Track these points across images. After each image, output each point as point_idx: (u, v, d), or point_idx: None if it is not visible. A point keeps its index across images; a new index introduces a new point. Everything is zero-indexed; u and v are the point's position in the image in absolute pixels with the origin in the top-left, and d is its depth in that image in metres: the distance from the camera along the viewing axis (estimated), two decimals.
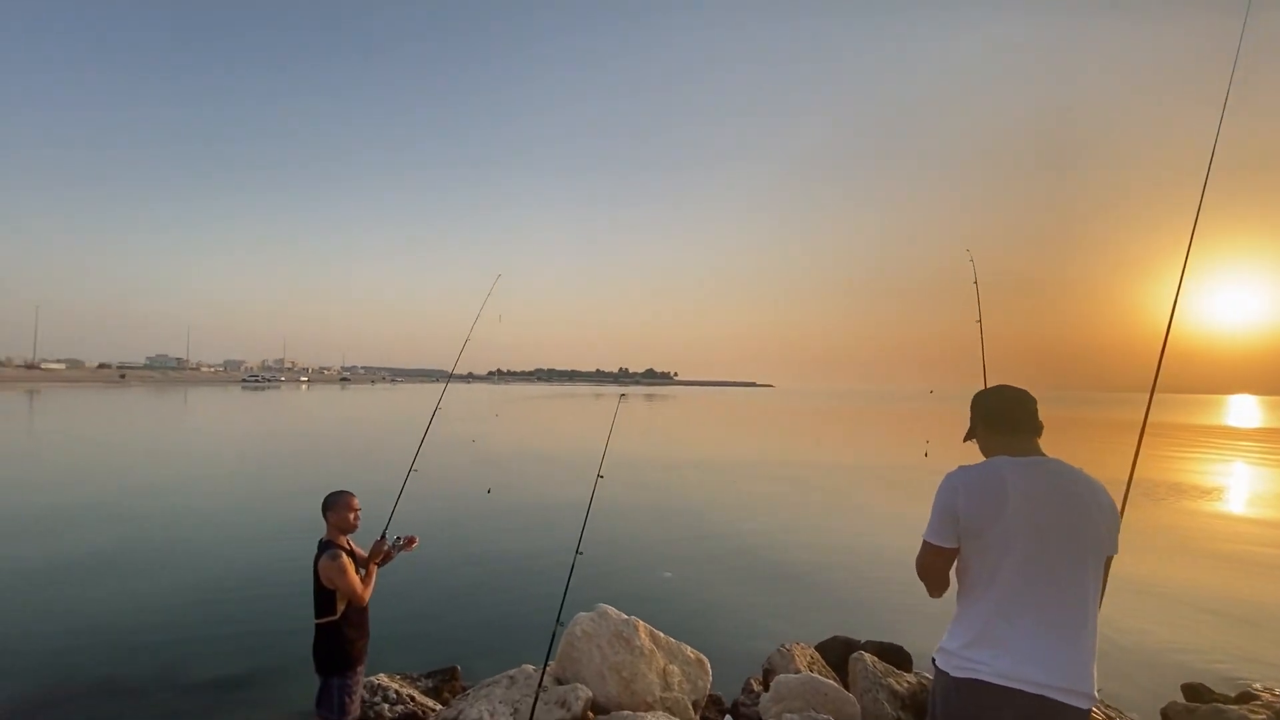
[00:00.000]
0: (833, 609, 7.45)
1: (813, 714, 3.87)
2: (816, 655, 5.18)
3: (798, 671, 4.63)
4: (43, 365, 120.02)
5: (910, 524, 12.76)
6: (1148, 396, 3.49)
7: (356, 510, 3.48)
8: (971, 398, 2.18)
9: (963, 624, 1.96)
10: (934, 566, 2.04)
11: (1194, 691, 5.54)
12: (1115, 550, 1.95)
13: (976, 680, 1.84)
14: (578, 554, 3.53)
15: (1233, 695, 5.55)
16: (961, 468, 2.00)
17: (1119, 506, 2.02)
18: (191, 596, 7.43)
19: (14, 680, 5.29)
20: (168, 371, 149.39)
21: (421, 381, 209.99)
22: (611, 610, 4.65)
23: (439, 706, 4.35)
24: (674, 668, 4.54)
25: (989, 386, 2.19)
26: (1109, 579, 1.97)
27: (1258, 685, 5.77)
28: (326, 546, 3.29)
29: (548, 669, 4.47)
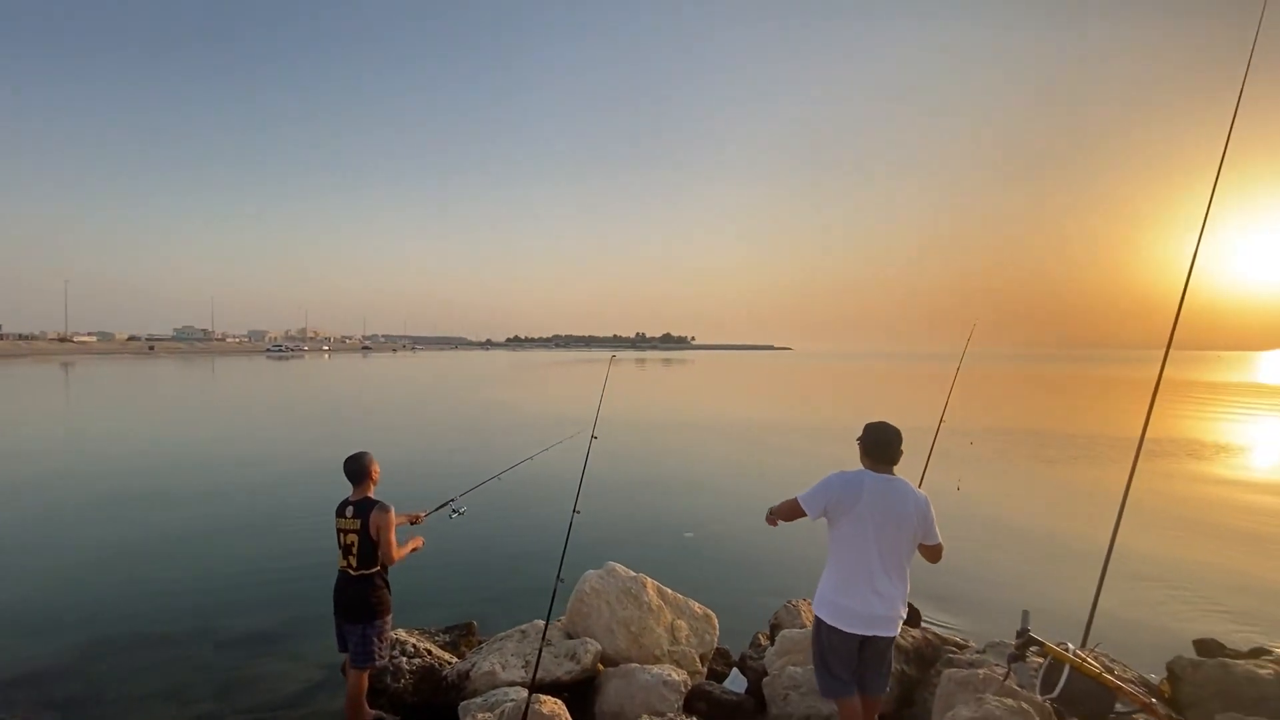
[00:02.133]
0: None
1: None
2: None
3: (803, 627, 4.70)
4: (75, 338, 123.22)
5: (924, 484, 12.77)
6: (1164, 354, 3.40)
7: (377, 467, 3.65)
8: (864, 427, 3.10)
9: (828, 580, 3.03)
10: (788, 517, 3.14)
11: (1205, 646, 5.53)
12: (934, 539, 3.01)
13: (834, 626, 2.95)
14: (575, 513, 3.60)
15: (1244, 650, 5.55)
16: (840, 472, 3.02)
17: (1132, 462, 3.25)
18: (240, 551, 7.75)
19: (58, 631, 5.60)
20: (194, 343, 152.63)
21: (441, 348, 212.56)
22: (620, 568, 4.75)
23: (455, 659, 4.52)
24: (682, 623, 4.64)
25: (873, 422, 3.09)
26: (943, 555, 3.09)
27: (1272, 645, 5.76)
28: (372, 502, 3.47)
29: (559, 624, 4.61)
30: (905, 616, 3.00)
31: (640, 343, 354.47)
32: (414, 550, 3.67)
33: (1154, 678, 4.27)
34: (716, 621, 4.85)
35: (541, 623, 4.58)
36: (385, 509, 3.48)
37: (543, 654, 4.15)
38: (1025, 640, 3.19)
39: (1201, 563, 8.30)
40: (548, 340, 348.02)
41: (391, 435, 18.12)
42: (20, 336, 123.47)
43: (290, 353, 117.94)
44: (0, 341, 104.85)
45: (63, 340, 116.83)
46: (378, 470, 3.60)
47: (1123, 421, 23.77)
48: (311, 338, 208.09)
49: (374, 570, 3.49)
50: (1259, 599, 7.09)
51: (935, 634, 5.41)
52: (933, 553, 3.04)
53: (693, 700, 4.19)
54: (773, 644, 4.60)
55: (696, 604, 4.87)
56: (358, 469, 3.53)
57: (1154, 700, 3.11)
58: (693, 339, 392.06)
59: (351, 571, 3.45)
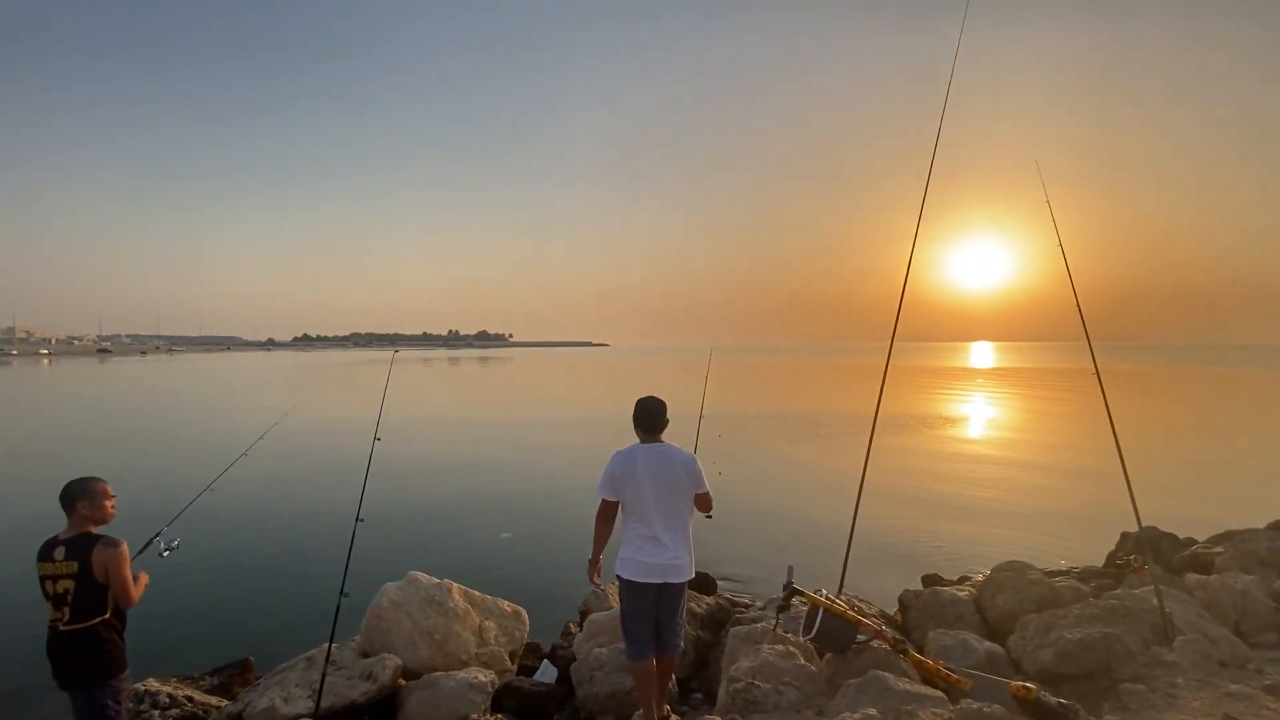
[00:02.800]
0: None
1: (620, 645, 4.15)
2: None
3: (611, 608, 4.91)
4: None
5: (728, 470, 14.06)
6: (889, 346, 4.12)
7: (112, 498, 3.01)
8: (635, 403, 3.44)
9: (625, 542, 3.33)
10: (605, 513, 3.37)
11: (928, 580, 6.82)
12: (703, 488, 3.35)
13: (631, 580, 3.27)
14: (358, 521, 3.37)
15: (955, 579, 6.94)
16: (617, 452, 3.35)
17: (869, 436, 3.98)
18: None
19: None
20: None
21: (208, 349, 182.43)
22: (423, 576, 4.54)
23: (226, 702, 3.96)
24: (490, 623, 4.58)
25: (640, 398, 3.43)
26: (714, 499, 3.44)
27: (973, 571, 7.30)
28: (94, 537, 2.83)
29: (353, 644, 4.28)
30: (692, 566, 3.35)
31: (454, 340, 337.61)
32: (144, 587, 3.10)
33: (892, 611, 5.18)
34: (527, 617, 4.86)
35: (334, 647, 4.21)
36: (114, 543, 2.90)
37: (334, 678, 3.82)
38: (790, 591, 3.68)
39: (928, 514, 10.24)
40: (344, 339, 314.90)
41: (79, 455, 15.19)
42: None
43: None
44: None
45: None
46: (101, 501, 2.94)
47: (861, 403, 28.25)
48: (24, 338, 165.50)
49: (98, 620, 2.88)
50: (970, 541, 8.93)
51: (728, 598, 6.00)
52: (702, 501, 3.39)
53: (502, 698, 4.16)
54: (582, 630, 4.73)
55: (506, 603, 4.83)
56: (75, 496, 2.90)
57: (884, 627, 3.77)
58: (510, 336, 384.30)
59: (64, 626, 2.82)
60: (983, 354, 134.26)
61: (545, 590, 6.50)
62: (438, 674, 3.94)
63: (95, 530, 2.94)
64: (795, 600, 3.72)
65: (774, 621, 3.84)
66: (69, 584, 2.81)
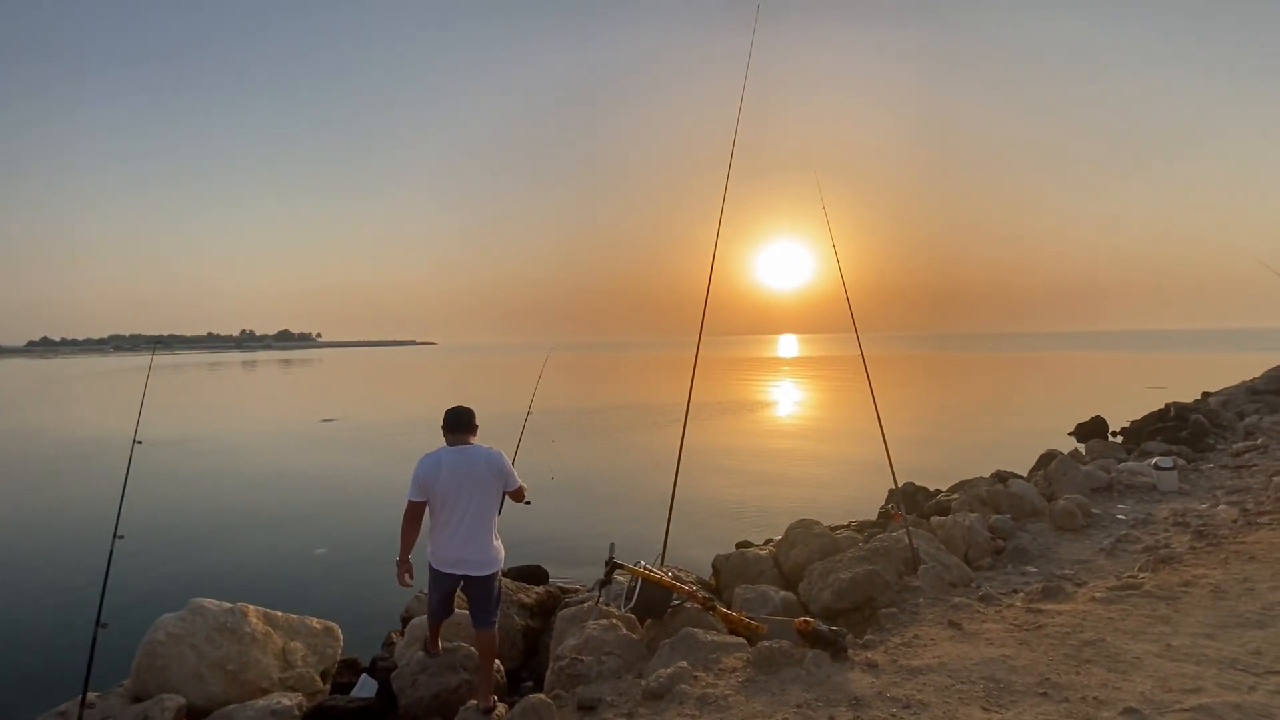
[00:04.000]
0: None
1: (444, 642, 4.05)
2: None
3: None
4: None
5: (567, 461, 14.16)
6: (698, 341, 4.48)
7: None
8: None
9: (435, 538, 3.54)
10: (412, 514, 3.52)
11: (741, 545, 7.54)
12: (513, 484, 3.60)
13: (438, 570, 3.54)
14: (116, 538, 2.94)
15: (762, 542, 7.75)
16: (424, 456, 3.51)
17: (683, 422, 4.56)
18: None
19: None
20: None
21: None
22: (209, 602, 4.01)
23: None
24: (296, 644, 4.19)
25: (449, 407, 3.64)
26: (521, 495, 3.68)
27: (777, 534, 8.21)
28: None
29: (119, 689, 3.67)
30: (497, 558, 3.58)
31: (248, 342, 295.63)
32: None
33: (708, 576, 5.66)
34: (340, 632, 4.52)
35: (93, 695, 3.57)
36: None
37: None
38: (611, 566, 3.88)
39: (739, 487, 11.25)
40: (102, 341, 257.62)
41: None
42: None
43: None
44: None
45: None
46: None
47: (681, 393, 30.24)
48: None
49: None
50: (774, 508, 9.97)
51: (559, 586, 6.10)
52: (515, 494, 3.66)
53: (316, 719, 3.85)
54: (404, 637, 4.53)
55: (315, 620, 4.45)
56: None
57: (696, 588, 4.13)
58: (318, 335, 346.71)
59: None
60: (786, 345, 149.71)
61: (364, 603, 6.10)
62: (231, 707, 3.54)
63: None
64: (617, 575, 3.92)
65: (596, 596, 4.01)
66: None
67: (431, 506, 3.49)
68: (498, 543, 3.58)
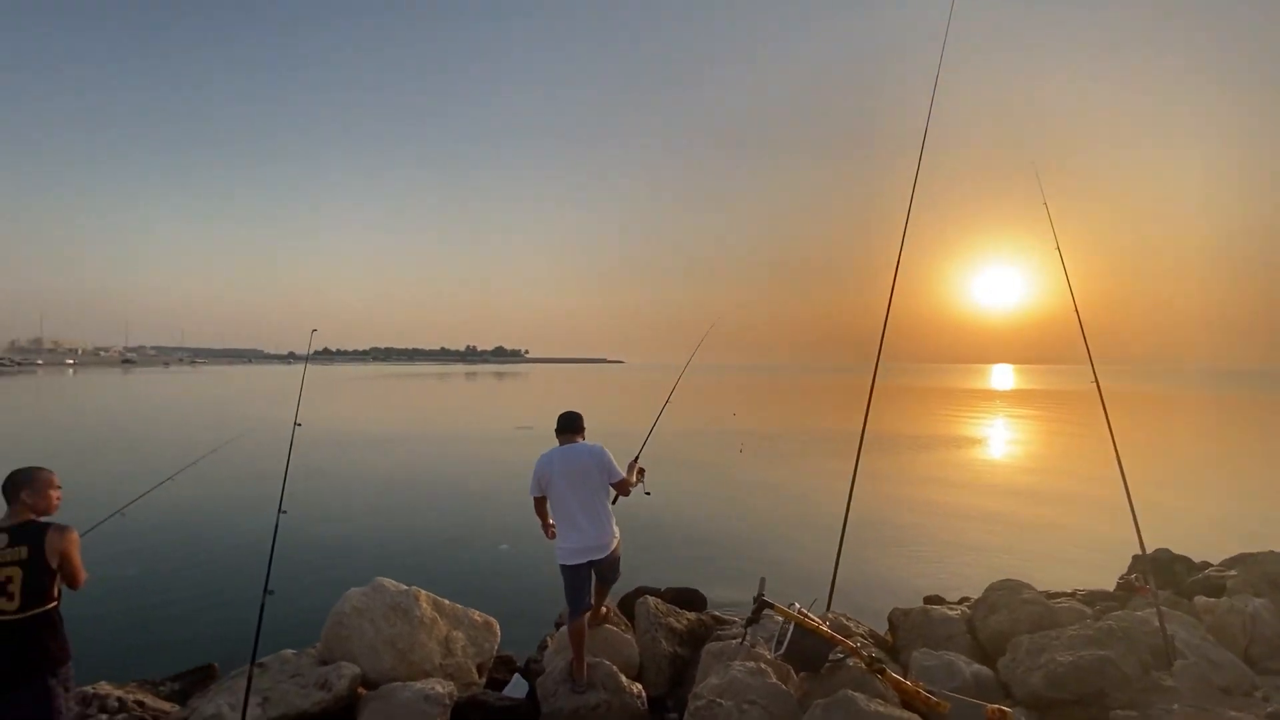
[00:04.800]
0: (648, 566, 7.76)
1: (590, 658, 3.98)
2: (610, 605, 5.35)
3: None
4: None
5: (738, 483, 13.83)
6: (875, 365, 3.95)
7: (58, 489, 2.95)
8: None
9: (560, 534, 3.95)
10: (536, 508, 4.10)
11: (931, 600, 6.54)
12: (615, 477, 3.96)
13: (565, 564, 3.90)
14: (281, 512, 3.26)
15: (956, 600, 6.66)
16: (543, 454, 4.01)
17: (857, 453, 4.16)
18: None
19: None
20: None
21: (230, 362, 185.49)
22: (389, 583, 4.40)
23: (175, 709, 3.83)
24: (458, 633, 4.42)
25: (564, 411, 4.16)
26: (626, 488, 4.07)
27: (971, 595, 7.01)
28: (41, 525, 2.77)
29: (313, 651, 4.14)
30: (614, 542, 3.95)
31: (471, 356, 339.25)
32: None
33: (883, 630, 4.95)
34: (498, 628, 4.70)
35: (289, 652, 4.08)
36: (65, 529, 2.84)
37: (288, 685, 3.69)
38: (759, 605, 3.49)
39: (933, 535, 9.90)
40: (364, 353, 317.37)
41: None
42: None
43: (14, 367, 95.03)
44: None
45: None
46: (46, 491, 2.90)
47: (877, 421, 27.74)
48: (51, 349, 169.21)
49: (51, 606, 2.81)
50: (975, 562, 8.60)
51: (712, 615, 5.78)
52: (619, 486, 4.00)
53: (466, 711, 3.99)
54: (553, 644, 4.56)
55: (477, 613, 4.67)
56: (17, 485, 2.84)
57: (863, 644, 3.56)
58: (526, 352, 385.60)
59: (12, 617, 2.73)
60: (1000, 376, 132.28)
61: (525, 602, 6.33)
62: (395, 684, 3.79)
63: (40, 519, 2.88)
64: (765, 614, 3.53)
65: (743, 635, 3.65)
66: (14, 571, 2.73)
67: (551, 503, 3.93)
68: (614, 527, 3.97)
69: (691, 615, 5.17)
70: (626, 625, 5.20)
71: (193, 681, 4.43)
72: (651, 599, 4.98)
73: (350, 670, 3.83)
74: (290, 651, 4.06)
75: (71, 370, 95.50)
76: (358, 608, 4.17)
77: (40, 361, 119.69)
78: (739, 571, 7.74)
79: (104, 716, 3.57)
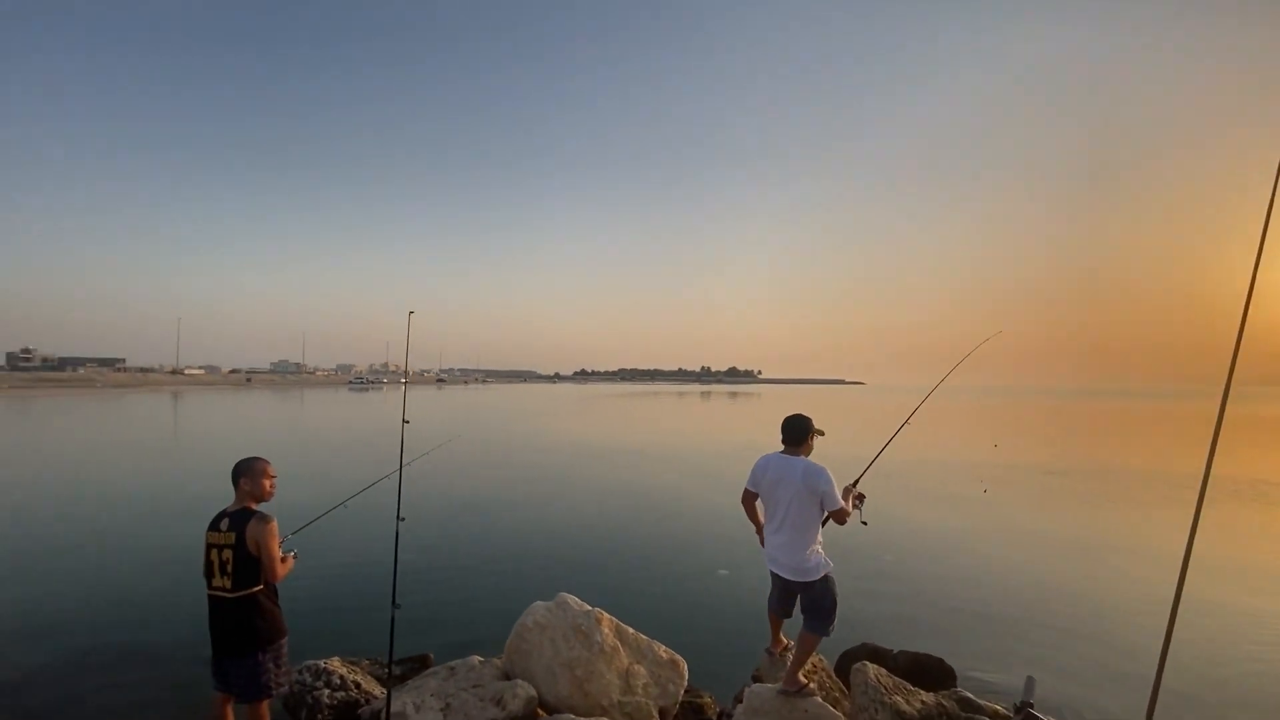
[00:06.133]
0: (878, 618, 6.56)
1: (805, 676, 3.25)
2: (821, 663, 4.47)
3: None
4: (185, 371, 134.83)
5: (981, 521, 11.44)
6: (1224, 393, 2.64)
7: (273, 478, 3.29)
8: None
9: (765, 534, 3.97)
10: (744, 499, 4.09)
11: None
12: (832, 504, 3.71)
13: (768, 564, 3.95)
14: (399, 520, 3.10)
15: None
16: (762, 455, 3.99)
17: (1195, 511, 2.51)
18: None
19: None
20: (287, 376, 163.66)
21: (511, 381, 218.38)
22: (573, 600, 4.20)
23: (382, 694, 4.06)
24: (640, 668, 4.02)
25: (791, 414, 4.01)
26: (841, 518, 3.80)
27: None
28: (251, 513, 3.12)
29: (498, 661, 4.09)
30: (806, 567, 3.74)
31: (705, 376, 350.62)
32: (290, 568, 3.27)
33: None
34: (685, 669, 4.19)
35: (477, 659, 4.08)
36: (266, 519, 3.11)
37: (468, 694, 3.65)
38: (1024, 717, 2.43)
39: None
40: (613, 373, 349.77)
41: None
42: (140, 369, 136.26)
43: (370, 385, 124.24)
44: (124, 374, 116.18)
45: (174, 373, 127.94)
46: (261, 480, 3.22)
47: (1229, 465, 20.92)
48: (392, 371, 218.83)
49: (256, 589, 3.10)
50: None
51: (963, 696, 4.53)
52: (836, 517, 3.79)
53: None
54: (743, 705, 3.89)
55: (663, 648, 4.23)
56: (238, 473, 3.19)
57: None
58: (759, 373, 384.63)
59: (228, 594, 3.07)
60: None
61: (724, 642, 5.70)
62: (568, 717, 3.51)
63: (255, 506, 3.21)
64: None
65: None
66: (229, 553, 3.07)
67: (762, 503, 3.95)
68: (815, 554, 3.74)
69: (929, 696, 4.05)
70: (842, 692, 4.29)
71: (410, 669, 4.73)
72: (873, 667, 4.02)
73: (526, 691, 3.66)
74: (478, 659, 4.08)
75: (404, 388, 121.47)
76: (540, 623, 4.02)
77: (385, 380, 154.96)
78: (1000, 642, 6.11)
79: (326, 691, 3.90)
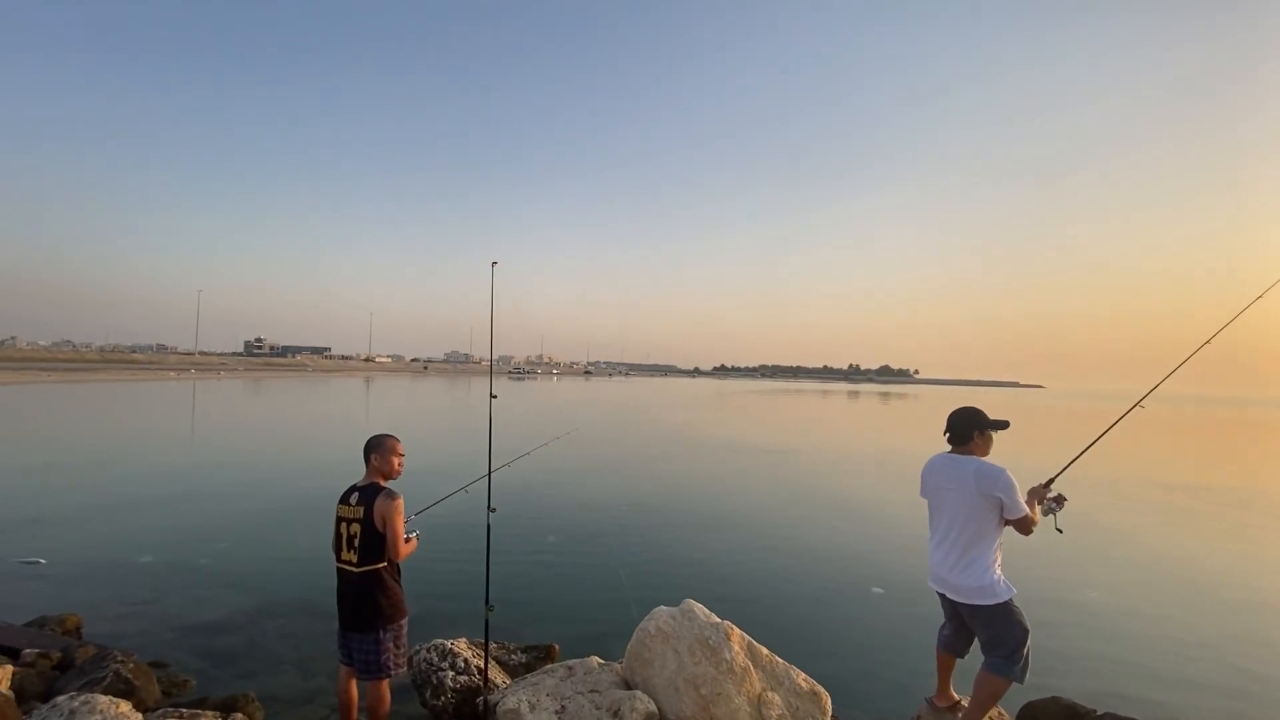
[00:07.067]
0: (1075, 668, 5.42)
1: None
2: (1001, 716, 3.68)
3: None
4: (376, 359, 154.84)
5: (1180, 552, 9.25)
6: None
7: (401, 456, 3.28)
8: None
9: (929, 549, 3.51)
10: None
11: None
12: (1015, 512, 3.15)
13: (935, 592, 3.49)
14: (490, 510, 2.79)
15: None
16: (932, 456, 3.51)
17: None
18: None
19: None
20: (456, 365, 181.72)
21: (651, 375, 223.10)
22: (700, 609, 3.80)
23: (505, 682, 3.97)
24: (775, 696, 3.53)
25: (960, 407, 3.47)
26: (1026, 527, 3.21)
27: None
28: (379, 489, 3.13)
29: (618, 667, 3.82)
30: (988, 590, 3.14)
31: (854, 375, 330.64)
32: (413, 549, 3.21)
33: None
34: (829, 703, 3.63)
35: (596, 661, 3.84)
36: (393, 495, 3.08)
37: (583, 699, 3.41)
38: None
39: None
40: (754, 370, 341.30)
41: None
42: (341, 357, 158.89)
43: (525, 375, 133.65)
44: (329, 360, 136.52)
45: (367, 360, 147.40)
46: (390, 457, 3.19)
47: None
48: (545, 362, 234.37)
49: (381, 565, 3.08)
50: None
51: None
52: (1020, 526, 3.20)
53: None
54: None
55: (803, 675, 3.70)
56: (369, 450, 3.19)
57: None
58: (915, 372, 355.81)
59: (354, 569, 3.07)
60: None
61: (878, 673, 4.98)
62: None
63: (384, 483, 3.20)
64: None
65: None
66: (357, 528, 3.07)
67: (929, 507, 3.44)
68: (992, 572, 3.17)
69: None
70: None
71: (535, 658, 4.65)
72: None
73: (644, 706, 3.34)
74: (598, 661, 3.84)
75: (555, 378, 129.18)
76: (663, 630, 3.68)
77: (539, 371, 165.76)
78: (1215, 700, 4.74)
79: (449, 674, 3.88)
